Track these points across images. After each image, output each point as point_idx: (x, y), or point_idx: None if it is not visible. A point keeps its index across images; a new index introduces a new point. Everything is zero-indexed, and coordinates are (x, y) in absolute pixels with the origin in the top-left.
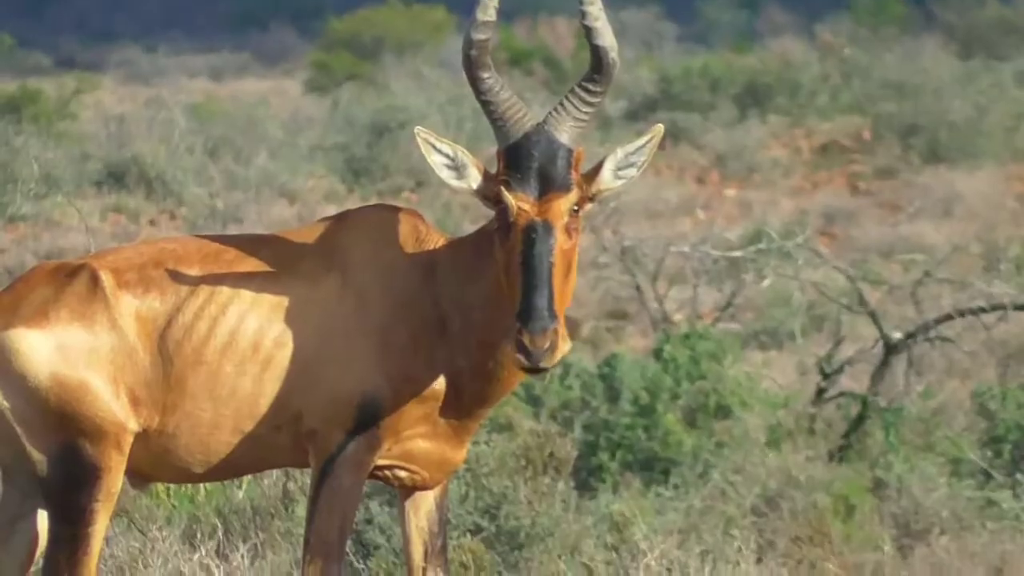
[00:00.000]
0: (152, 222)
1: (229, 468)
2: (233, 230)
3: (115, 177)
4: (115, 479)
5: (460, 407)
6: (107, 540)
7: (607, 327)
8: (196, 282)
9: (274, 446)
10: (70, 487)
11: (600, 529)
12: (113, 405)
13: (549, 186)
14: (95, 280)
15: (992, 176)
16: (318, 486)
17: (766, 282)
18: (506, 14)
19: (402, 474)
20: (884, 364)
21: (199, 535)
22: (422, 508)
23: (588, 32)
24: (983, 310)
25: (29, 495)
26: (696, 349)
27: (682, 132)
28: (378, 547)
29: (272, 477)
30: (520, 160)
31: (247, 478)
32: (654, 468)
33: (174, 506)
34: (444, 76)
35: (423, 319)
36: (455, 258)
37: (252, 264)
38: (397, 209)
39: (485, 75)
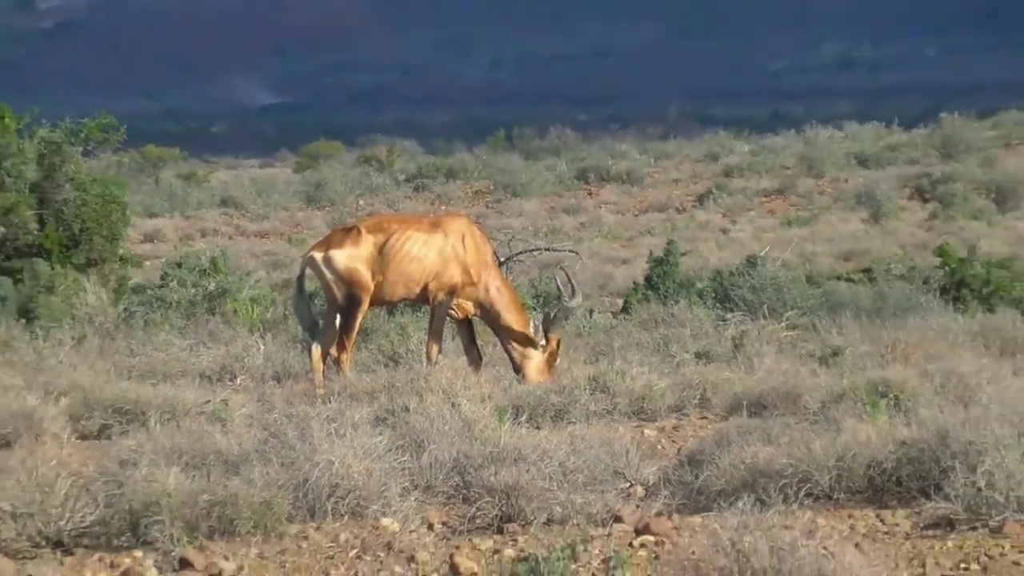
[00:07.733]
0: (237, 220)
1: (400, 300)
2: (266, 224)
3: (224, 202)
4: (365, 305)
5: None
6: (225, 340)
7: None
8: (397, 229)
9: (417, 295)
10: (351, 307)
11: None
12: (367, 277)
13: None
14: (359, 231)
15: (537, 203)
16: (433, 313)
17: None
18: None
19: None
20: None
21: (262, 334)
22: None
23: (562, 299)
24: (536, 250)
25: (336, 311)
26: None
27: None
28: None
29: (291, 321)
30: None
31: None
32: None
33: (251, 322)
34: (341, 168)
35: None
36: (500, 281)
37: (418, 225)
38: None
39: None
